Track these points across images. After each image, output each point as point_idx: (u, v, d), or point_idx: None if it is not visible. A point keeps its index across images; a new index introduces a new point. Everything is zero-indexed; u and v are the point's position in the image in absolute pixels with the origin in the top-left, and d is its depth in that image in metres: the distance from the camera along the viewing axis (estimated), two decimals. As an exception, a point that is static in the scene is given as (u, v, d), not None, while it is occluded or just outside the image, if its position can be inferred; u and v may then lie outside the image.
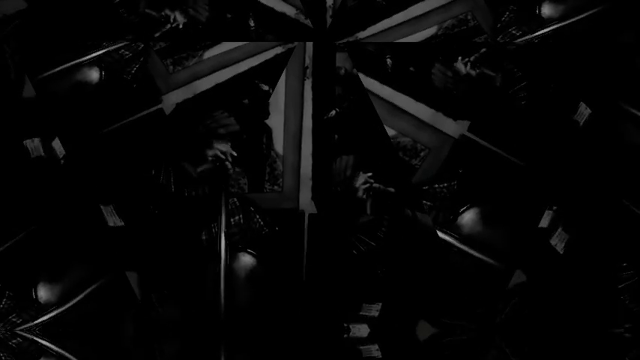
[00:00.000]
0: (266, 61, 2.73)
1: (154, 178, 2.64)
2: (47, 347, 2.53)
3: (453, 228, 2.58)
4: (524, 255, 2.55)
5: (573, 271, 2.54)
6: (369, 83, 2.69)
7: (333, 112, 2.68)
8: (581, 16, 2.67)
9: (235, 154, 2.65)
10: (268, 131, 2.68)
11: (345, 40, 2.73)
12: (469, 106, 2.66)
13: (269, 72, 2.72)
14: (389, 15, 2.75)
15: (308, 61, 2.72)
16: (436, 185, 2.61)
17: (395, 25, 2.74)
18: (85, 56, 2.72)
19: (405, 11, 2.75)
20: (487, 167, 2.61)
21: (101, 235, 2.60)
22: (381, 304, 2.56)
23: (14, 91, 2.67)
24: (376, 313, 2.55)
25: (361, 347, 2.55)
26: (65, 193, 2.63)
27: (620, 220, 2.55)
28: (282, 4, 2.77)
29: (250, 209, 2.63)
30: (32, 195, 2.62)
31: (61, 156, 2.64)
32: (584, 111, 2.60)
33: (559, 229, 2.55)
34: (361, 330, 2.55)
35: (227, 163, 2.65)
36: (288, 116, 2.69)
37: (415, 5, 2.75)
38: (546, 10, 2.69)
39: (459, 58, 2.68)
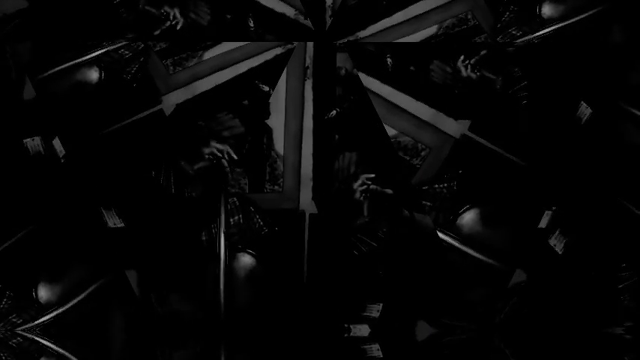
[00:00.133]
0: (266, 61, 2.73)
1: (154, 179, 2.63)
2: (47, 347, 2.53)
3: (452, 228, 2.58)
4: (524, 255, 2.56)
5: (573, 271, 2.55)
6: (370, 83, 2.69)
7: (334, 112, 2.68)
8: (582, 16, 2.67)
9: (236, 158, 2.65)
10: (269, 131, 2.68)
11: (345, 40, 2.72)
12: (470, 105, 2.66)
13: (269, 72, 2.71)
14: (389, 14, 2.74)
15: (308, 62, 2.71)
16: (436, 185, 2.61)
17: (395, 25, 2.74)
18: (84, 56, 2.71)
19: (405, 10, 2.74)
20: (488, 167, 2.61)
21: (101, 235, 2.60)
22: (381, 304, 2.56)
23: (15, 91, 2.66)
24: (377, 314, 2.56)
25: (362, 347, 2.56)
26: (65, 193, 2.62)
27: (620, 220, 2.55)
28: (281, 4, 2.76)
29: (250, 209, 2.62)
30: (32, 194, 2.62)
31: (61, 155, 2.64)
32: (584, 110, 2.60)
33: (558, 230, 2.56)
34: (362, 330, 2.56)
35: (224, 160, 2.64)
36: (288, 116, 2.68)
37: (415, 4, 2.74)
38: (546, 10, 2.69)
39: (461, 57, 2.68)
